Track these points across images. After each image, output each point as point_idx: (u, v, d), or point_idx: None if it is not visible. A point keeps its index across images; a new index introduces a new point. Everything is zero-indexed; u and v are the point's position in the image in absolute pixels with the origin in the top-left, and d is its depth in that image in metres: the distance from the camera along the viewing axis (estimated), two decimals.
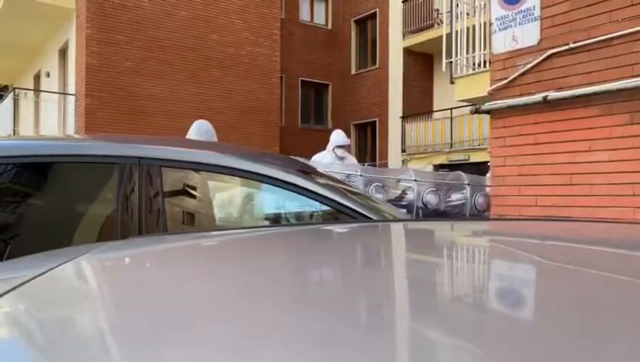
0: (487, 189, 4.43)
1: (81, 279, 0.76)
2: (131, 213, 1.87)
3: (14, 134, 12.31)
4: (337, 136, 5.69)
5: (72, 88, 11.92)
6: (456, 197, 4.54)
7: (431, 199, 4.35)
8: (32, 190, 2.04)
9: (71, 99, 11.87)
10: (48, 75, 13.67)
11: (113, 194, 1.91)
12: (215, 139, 4.16)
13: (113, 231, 1.87)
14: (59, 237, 1.91)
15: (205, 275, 0.73)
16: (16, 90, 13.28)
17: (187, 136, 4.16)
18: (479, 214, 4.37)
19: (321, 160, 5.58)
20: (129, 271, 0.79)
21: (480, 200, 4.10)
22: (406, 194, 4.55)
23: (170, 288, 0.63)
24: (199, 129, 4.13)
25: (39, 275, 0.68)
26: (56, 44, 13.02)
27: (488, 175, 4.56)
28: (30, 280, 0.65)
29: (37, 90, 13.98)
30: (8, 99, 13.36)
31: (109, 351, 0.43)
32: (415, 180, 4.51)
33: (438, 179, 5.07)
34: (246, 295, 0.59)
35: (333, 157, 5.57)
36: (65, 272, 0.73)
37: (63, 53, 12.81)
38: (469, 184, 4.42)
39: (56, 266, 0.72)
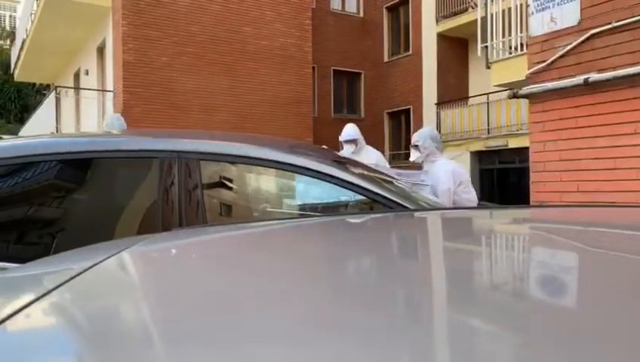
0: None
1: (130, 272, 0.78)
2: (172, 206, 1.91)
3: (57, 132, 12.68)
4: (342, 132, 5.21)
5: (110, 85, 12.19)
6: None
7: None
8: (76, 185, 2.10)
9: (109, 96, 12.15)
10: (87, 72, 14.03)
11: (154, 188, 1.95)
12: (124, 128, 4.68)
13: (155, 223, 1.92)
14: (102, 231, 1.97)
15: (249, 266, 0.74)
16: (58, 89, 13.66)
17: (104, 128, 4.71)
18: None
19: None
20: (176, 263, 0.81)
21: None
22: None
23: (217, 280, 0.65)
24: (117, 121, 4.69)
25: (88, 269, 0.70)
26: (94, 43, 13.33)
27: (424, 168, 4.14)
28: (80, 273, 0.67)
29: (77, 88, 14.36)
30: (51, 98, 13.76)
31: (159, 343, 0.44)
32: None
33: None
34: (293, 286, 0.59)
35: (348, 153, 5.21)
36: (114, 265, 0.75)
37: (101, 51, 13.11)
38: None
39: (105, 259, 0.74)
